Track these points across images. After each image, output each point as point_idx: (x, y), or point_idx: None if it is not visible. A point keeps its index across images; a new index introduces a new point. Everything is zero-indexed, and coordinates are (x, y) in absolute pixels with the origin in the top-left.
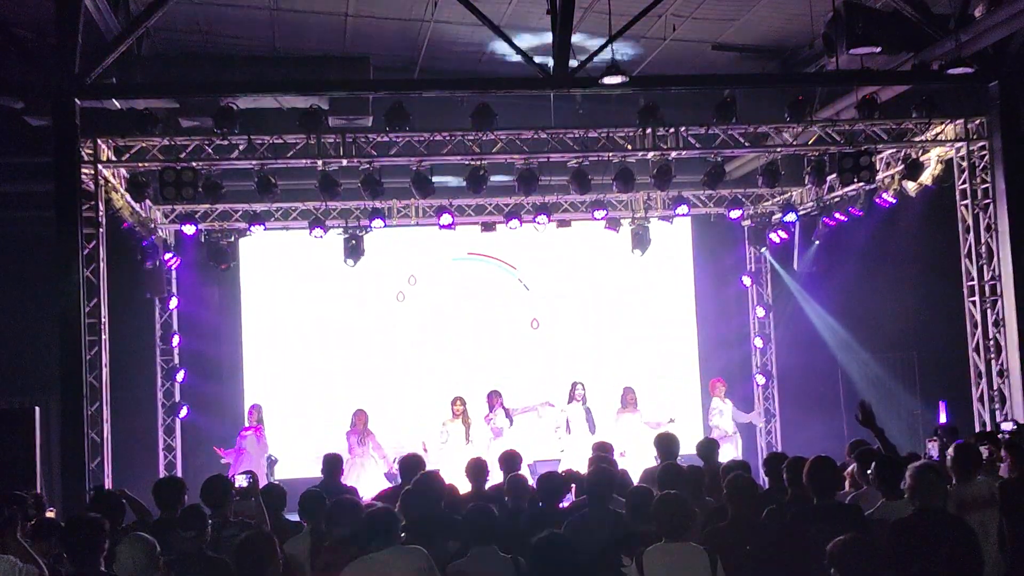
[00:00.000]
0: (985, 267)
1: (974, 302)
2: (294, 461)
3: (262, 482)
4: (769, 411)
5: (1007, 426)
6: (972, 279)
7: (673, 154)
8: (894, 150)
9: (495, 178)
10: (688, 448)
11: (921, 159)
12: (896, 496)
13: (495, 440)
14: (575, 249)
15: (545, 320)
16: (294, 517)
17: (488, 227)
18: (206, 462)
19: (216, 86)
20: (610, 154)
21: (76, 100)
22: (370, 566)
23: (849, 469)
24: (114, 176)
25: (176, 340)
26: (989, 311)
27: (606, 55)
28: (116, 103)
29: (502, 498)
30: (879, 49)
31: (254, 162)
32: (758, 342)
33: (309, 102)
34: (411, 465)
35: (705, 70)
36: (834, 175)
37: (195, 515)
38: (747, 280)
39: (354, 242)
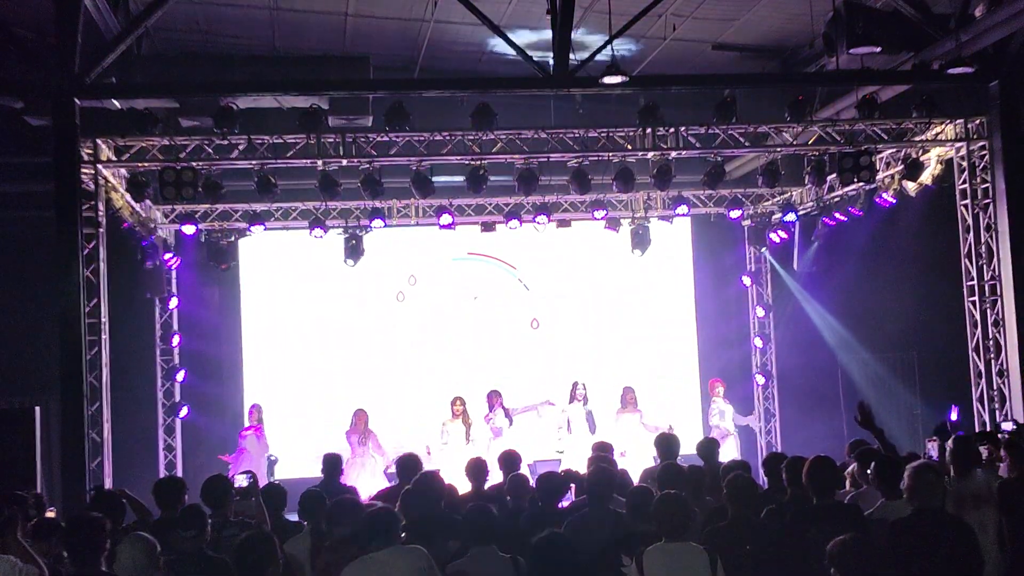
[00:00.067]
0: (985, 267)
1: (974, 302)
2: (294, 461)
3: (262, 482)
4: (769, 411)
5: (1007, 426)
6: (972, 279)
7: (673, 154)
8: (894, 150)
9: (495, 178)
10: (688, 448)
11: (921, 159)
12: (896, 496)
13: (495, 440)
14: (575, 249)
15: (545, 320)
16: (294, 517)
17: (488, 227)
18: (206, 462)
19: (216, 86)
20: (610, 154)
21: (76, 100)
22: (370, 566)
23: (849, 469)
24: (114, 176)
25: (176, 340)
26: (989, 311)
27: (606, 54)
28: (116, 103)
29: (502, 498)
30: (879, 49)
31: (254, 162)
32: (758, 342)
33: (309, 102)
34: (408, 465)
35: (705, 70)
36: (834, 175)
37: (195, 515)
38: (747, 280)
39: (354, 242)
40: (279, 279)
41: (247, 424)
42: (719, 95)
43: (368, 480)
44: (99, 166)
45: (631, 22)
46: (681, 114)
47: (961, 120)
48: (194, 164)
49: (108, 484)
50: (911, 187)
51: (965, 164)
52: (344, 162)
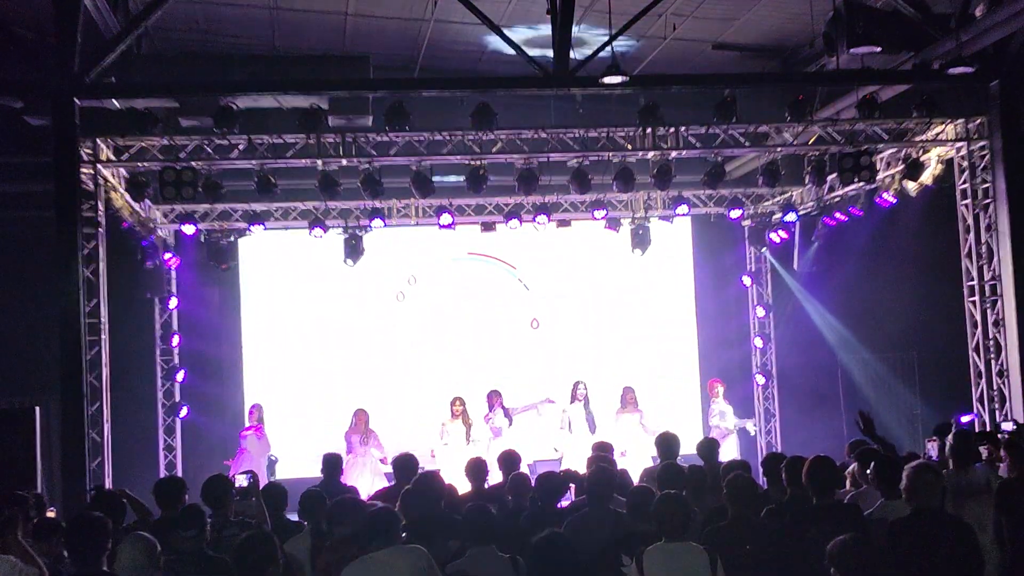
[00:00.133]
0: (985, 267)
1: (974, 302)
2: (294, 461)
3: (262, 482)
4: (769, 411)
5: (1007, 426)
6: (972, 279)
7: (673, 154)
8: (894, 150)
9: (495, 178)
10: (688, 448)
11: (921, 159)
12: (895, 496)
13: (495, 440)
14: (575, 249)
15: (545, 320)
16: (294, 517)
17: (488, 227)
18: (206, 462)
19: (216, 86)
20: (610, 154)
21: (76, 100)
22: (370, 566)
23: (849, 469)
24: (114, 176)
25: (176, 340)
26: (989, 311)
27: (606, 54)
28: (116, 103)
29: (502, 498)
30: (879, 48)
31: (254, 162)
32: (758, 342)
33: (309, 102)
34: (405, 464)
35: (705, 69)
36: (834, 175)
37: (195, 515)
38: (747, 280)
39: (354, 242)
40: (279, 279)
41: (247, 424)
42: (719, 95)
43: (368, 480)
44: (99, 166)
45: (631, 21)
46: (681, 114)
47: (961, 120)
48: (194, 164)
49: (108, 484)
50: (911, 187)
51: (965, 164)
52: (344, 162)
